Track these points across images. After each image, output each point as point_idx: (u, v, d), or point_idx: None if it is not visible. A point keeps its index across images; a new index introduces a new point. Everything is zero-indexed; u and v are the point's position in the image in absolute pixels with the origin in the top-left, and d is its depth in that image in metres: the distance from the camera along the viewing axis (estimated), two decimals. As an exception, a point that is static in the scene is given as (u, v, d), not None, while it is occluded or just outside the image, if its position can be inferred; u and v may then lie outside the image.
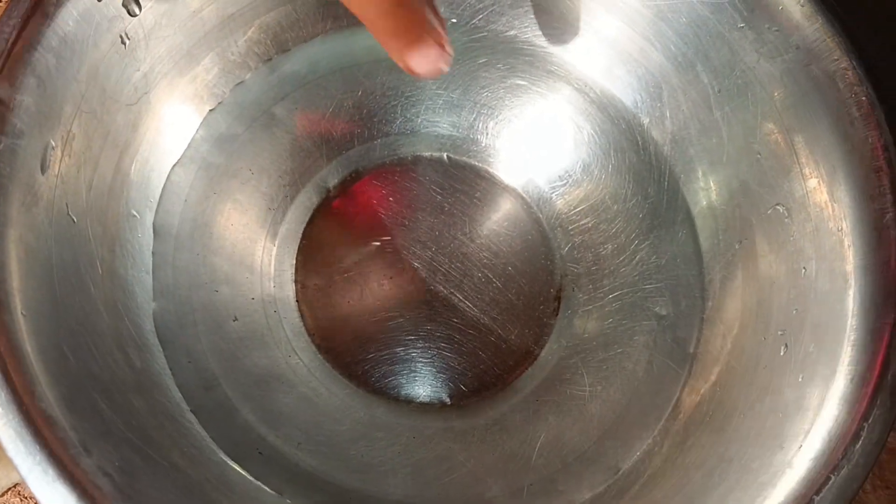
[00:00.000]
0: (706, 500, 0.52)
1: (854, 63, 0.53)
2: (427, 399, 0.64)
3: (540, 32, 0.65)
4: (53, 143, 0.52)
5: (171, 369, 0.59)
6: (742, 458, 0.52)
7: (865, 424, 0.48)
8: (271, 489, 0.56)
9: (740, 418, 0.54)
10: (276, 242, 0.66)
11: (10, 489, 0.64)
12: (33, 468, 0.44)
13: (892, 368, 0.49)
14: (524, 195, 0.68)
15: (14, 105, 0.49)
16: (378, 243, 0.67)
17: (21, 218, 0.49)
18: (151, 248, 0.62)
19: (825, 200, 0.55)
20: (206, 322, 0.61)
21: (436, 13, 0.36)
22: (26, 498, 0.64)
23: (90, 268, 0.56)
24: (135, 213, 0.61)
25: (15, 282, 0.48)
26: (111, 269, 0.58)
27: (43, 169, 0.51)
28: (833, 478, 0.46)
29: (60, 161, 0.53)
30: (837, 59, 0.53)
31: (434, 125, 0.69)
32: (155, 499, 0.47)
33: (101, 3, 0.52)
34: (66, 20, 0.50)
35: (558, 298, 0.66)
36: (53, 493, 0.44)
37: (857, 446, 0.47)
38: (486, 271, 0.66)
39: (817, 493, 0.47)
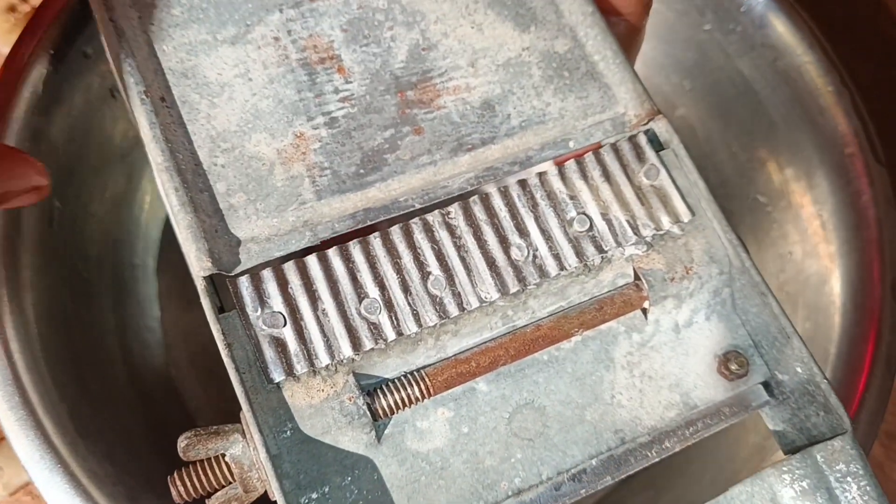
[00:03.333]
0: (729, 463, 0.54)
1: (817, 56, 0.55)
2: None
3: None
4: (58, 203, 0.54)
5: (194, 413, 0.60)
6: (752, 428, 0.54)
7: (866, 395, 0.50)
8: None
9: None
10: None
11: (21, 487, 0.64)
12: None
13: (884, 340, 0.51)
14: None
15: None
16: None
17: (36, 281, 0.51)
18: (157, 294, 0.64)
19: (804, 187, 0.57)
20: (216, 365, 0.63)
21: None
22: (37, 497, 0.64)
23: (104, 322, 0.58)
24: (138, 261, 0.63)
25: (38, 344, 0.49)
26: (122, 321, 0.59)
27: (51, 224, 0.53)
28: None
29: (67, 218, 0.55)
30: (801, 54, 0.55)
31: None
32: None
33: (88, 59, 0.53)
34: (59, 82, 0.52)
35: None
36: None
37: (861, 415, 0.49)
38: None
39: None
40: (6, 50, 0.72)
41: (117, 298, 0.60)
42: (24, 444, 0.45)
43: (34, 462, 0.45)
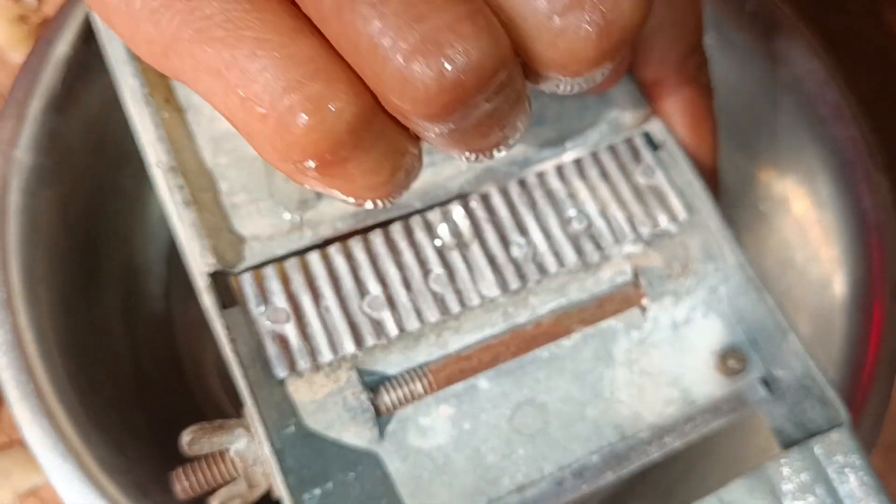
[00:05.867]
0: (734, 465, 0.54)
1: (817, 66, 0.56)
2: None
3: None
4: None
5: (201, 407, 0.61)
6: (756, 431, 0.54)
7: (870, 397, 0.50)
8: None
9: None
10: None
11: (31, 492, 0.64)
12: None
13: (887, 343, 0.51)
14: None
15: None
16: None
17: (49, 274, 0.51)
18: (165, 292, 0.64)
19: (804, 193, 0.57)
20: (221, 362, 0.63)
21: None
22: (46, 501, 0.64)
23: (112, 318, 0.58)
24: (148, 259, 0.64)
25: (51, 334, 0.50)
26: (131, 317, 0.60)
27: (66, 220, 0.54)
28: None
29: (81, 216, 0.55)
30: (801, 65, 0.56)
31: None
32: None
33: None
34: (74, 83, 0.53)
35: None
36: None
37: (865, 418, 0.50)
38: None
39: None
40: (17, 58, 0.74)
41: (126, 295, 0.61)
42: (38, 433, 0.46)
43: (47, 450, 0.46)
